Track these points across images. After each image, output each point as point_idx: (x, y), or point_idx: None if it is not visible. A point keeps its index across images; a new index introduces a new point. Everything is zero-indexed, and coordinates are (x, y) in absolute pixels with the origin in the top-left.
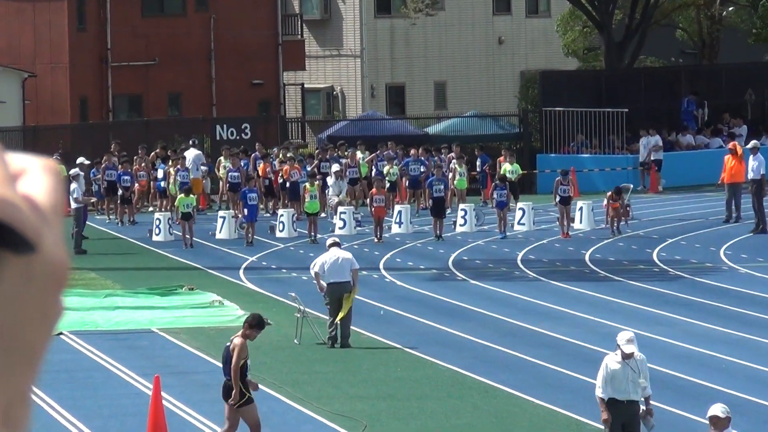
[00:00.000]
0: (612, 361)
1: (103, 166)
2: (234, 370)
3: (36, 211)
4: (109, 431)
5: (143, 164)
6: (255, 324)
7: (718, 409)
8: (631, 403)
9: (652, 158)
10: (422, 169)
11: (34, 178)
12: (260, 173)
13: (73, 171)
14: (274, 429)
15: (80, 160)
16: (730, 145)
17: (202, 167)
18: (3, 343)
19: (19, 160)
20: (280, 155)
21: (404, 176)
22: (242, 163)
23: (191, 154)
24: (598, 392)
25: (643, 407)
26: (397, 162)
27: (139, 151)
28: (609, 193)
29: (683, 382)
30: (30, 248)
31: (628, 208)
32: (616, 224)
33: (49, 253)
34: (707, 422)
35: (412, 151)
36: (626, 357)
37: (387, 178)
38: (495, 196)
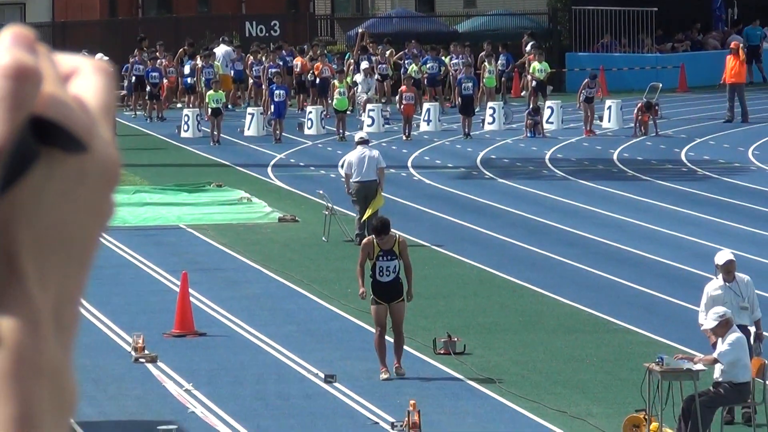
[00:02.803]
0: (712, 287)
1: (133, 60)
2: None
3: (86, 111)
4: (137, 327)
5: (172, 61)
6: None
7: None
8: (738, 327)
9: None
10: (442, 68)
11: (84, 78)
12: (301, 68)
13: None
14: (301, 326)
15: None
16: (732, 44)
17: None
18: (58, 241)
19: (69, 61)
20: (309, 52)
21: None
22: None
23: (221, 50)
24: (701, 321)
25: (753, 330)
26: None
27: (158, 47)
28: (639, 104)
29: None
30: (82, 147)
31: (656, 108)
32: (644, 129)
33: (100, 152)
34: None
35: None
36: (727, 280)
37: (412, 76)
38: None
